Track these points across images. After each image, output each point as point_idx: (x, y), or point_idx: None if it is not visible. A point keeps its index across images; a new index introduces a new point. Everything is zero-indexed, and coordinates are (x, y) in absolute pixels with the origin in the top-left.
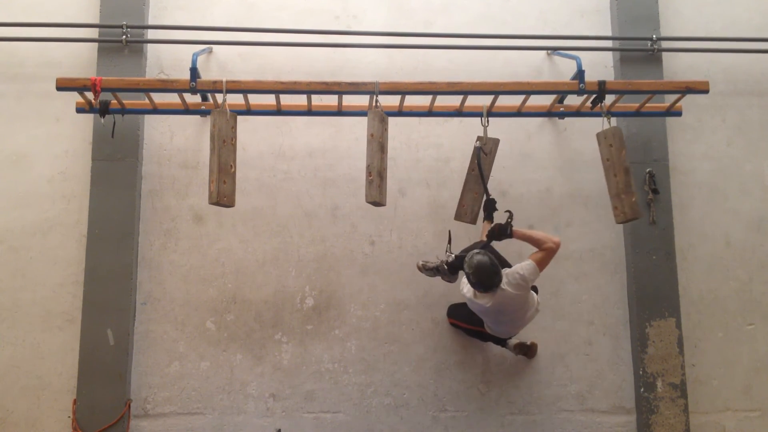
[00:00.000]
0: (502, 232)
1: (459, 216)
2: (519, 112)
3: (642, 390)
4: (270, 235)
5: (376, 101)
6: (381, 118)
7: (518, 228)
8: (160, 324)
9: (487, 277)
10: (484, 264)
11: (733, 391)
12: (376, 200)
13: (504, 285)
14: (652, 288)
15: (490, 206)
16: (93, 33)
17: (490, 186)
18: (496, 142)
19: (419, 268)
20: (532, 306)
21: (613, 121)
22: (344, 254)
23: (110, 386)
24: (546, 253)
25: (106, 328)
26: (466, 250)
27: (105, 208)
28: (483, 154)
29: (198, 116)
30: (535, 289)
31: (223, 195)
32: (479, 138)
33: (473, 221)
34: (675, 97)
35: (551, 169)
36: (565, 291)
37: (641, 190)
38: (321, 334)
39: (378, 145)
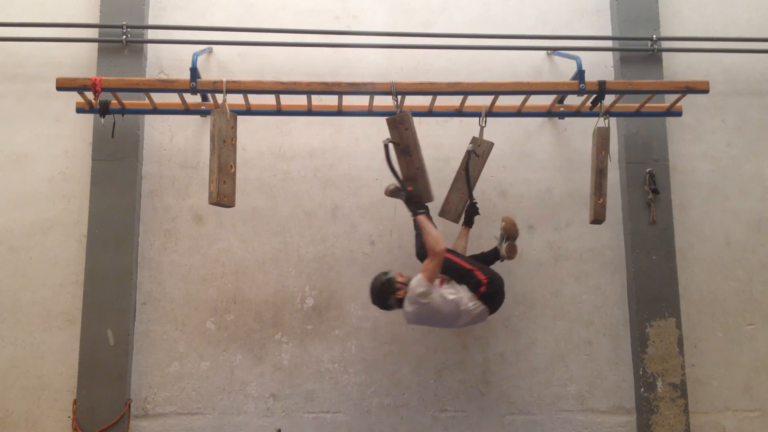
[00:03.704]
0: (410, 202)
1: (443, 213)
2: (519, 112)
3: (642, 390)
4: (270, 235)
5: (399, 100)
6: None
7: (425, 217)
8: (160, 324)
9: (375, 298)
10: (372, 284)
11: (733, 391)
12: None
13: (405, 305)
14: (652, 288)
15: (471, 211)
16: (93, 33)
17: (489, 185)
18: (490, 145)
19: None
20: (459, 308)
21: (613, 121)
22: (344, 254)
23: (110, 386)
24: (433, 261)
25: (106, 328)
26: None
27: (105, 208)
28: (475, 156)
29: (198, 116)
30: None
31: (223, 195)
32: (473, 140)
33: (456, 220)
34: (675, 97)
35: (551, 169)
36: (565, 291)
37: (641, 190)
38: (321, 334)
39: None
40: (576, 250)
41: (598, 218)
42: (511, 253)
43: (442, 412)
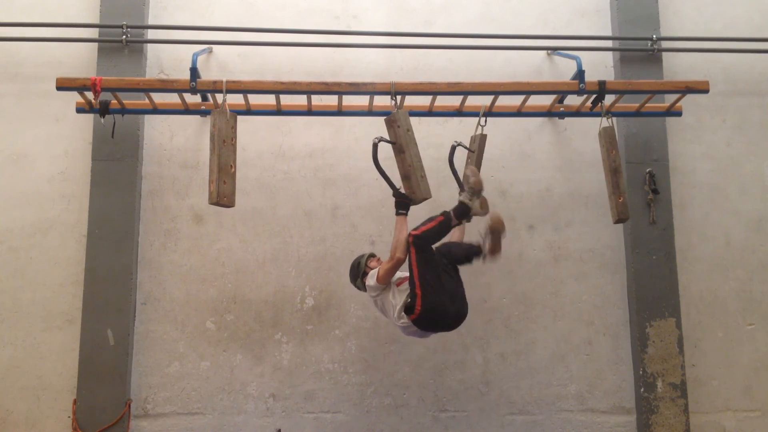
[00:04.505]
0: (396, 202)
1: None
2: (519, 112)
3: (642, 390)
4: (270, 235)
5: (398, 100)
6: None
7: (403, 219)
8: (160, 324)
9: (350, 274)
10: (353, 262)
11: (733, 391)
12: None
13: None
14: (652, 288)
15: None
16: (93, 33)
17: (489, 185)
18: (483, 138)
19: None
20: (393, 310)
21: (613, 121)
22: (344, 254)
23: (110, 386)
24: (389, 264)
25: (106, 328)
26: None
27: (105, 208)
28: (470, 152)
29: (198, 116)
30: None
31: (223, 195)
32: (472, 138)
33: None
34: (675, 97)
35: (551, 169)
36: (565, 291)
37: (641, 190)
38: (321, 334)
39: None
40: (576, 250)
41: (621, 217)
42: (495, 249)
43: (442, 412)
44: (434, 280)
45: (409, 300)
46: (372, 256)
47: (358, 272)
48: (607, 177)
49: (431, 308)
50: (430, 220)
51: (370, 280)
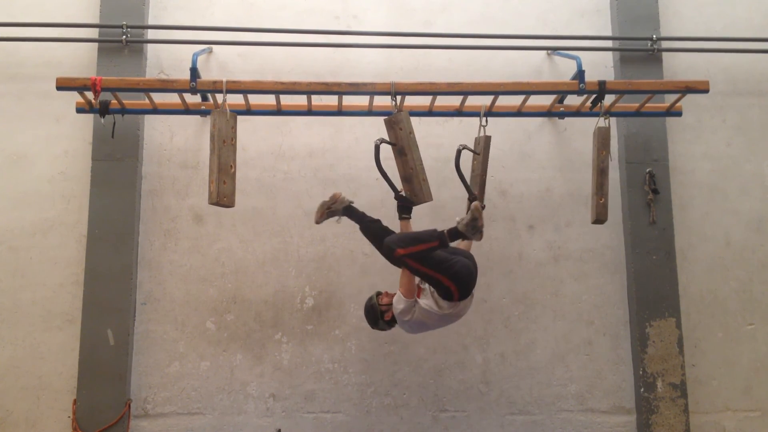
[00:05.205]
0: (398, 206)
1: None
2: (519, 112)
3: (642, 390)
4: (270, 235)
5: (398, 101)
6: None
7: (406, 223)
8: (160, 324)
9: (368, 323)
10: (365, 307)
11: (733, 391)
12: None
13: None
14: (652, 288)
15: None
16: (93, 33)
17: (489, 185)
18: (487, 140)
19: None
20: (433, 308)
21: (613, 121)
22: (344, 254)
23: (110, 386)
24: (407, 276)
25: (106, 328)
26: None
27: (105, 208)
28: (476, 155)
29: (198, 116)
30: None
31: (223, 195)
32: (476, 140)
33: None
34: (675, 97)
35: (551, 169)
36: (565, 291)
37: (641, 190)
38: (321, 334)
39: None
40: (576, 250)
41: (600, 218)
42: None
43: (442, 412)
44: (442, 261)
45: (439, 290)
46: (379, 293)
47: (376, 313)
48: (594, 176)
49: (460, 279)
50: (420, 241)
51: (399, 305)
